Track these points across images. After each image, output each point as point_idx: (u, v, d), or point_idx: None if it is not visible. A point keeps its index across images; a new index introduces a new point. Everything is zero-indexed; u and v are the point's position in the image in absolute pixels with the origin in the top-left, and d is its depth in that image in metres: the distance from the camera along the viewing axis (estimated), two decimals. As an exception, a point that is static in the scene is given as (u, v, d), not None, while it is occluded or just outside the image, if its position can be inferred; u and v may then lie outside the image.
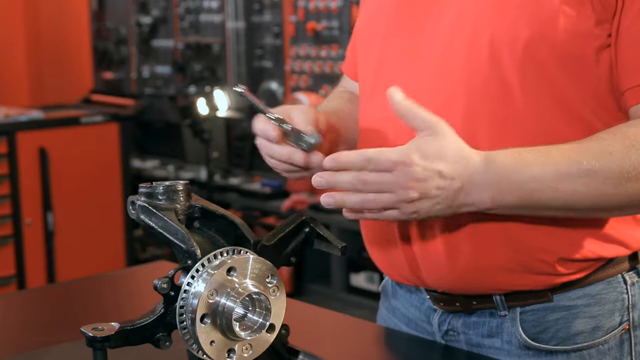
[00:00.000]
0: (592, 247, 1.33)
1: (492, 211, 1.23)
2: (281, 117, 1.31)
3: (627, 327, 1.37)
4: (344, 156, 1.18)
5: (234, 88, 1.28)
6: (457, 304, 1.40)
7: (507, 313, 1.37)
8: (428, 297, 1.43)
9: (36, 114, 4.69)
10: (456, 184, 1.19)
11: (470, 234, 1.31)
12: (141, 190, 1.18)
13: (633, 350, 1.38)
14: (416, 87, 1.32)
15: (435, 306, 1.43)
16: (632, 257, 1.39)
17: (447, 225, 1.32)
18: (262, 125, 1.33)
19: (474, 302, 1.38)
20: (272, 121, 1.31)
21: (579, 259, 1.33)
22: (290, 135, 1.31)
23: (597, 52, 1.26)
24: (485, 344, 1.40)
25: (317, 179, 1.19)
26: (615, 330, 1.37)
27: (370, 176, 1.18)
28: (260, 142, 1.36)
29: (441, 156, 1.18)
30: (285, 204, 4.66)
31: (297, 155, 1.31)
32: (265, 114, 1.31)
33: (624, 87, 1.27)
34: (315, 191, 4.52)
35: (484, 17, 1.29)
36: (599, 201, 1.23)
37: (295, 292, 4.66)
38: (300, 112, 1.36)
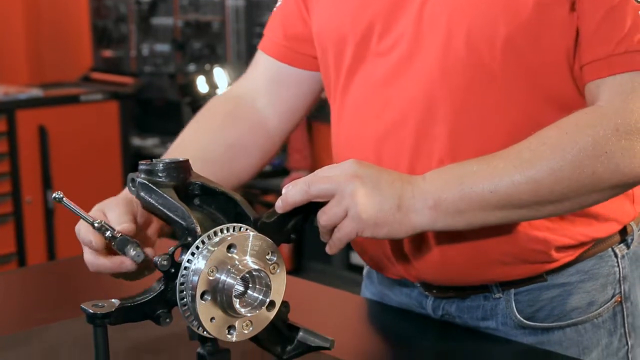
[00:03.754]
0: (586, 231, 1.33)
1: (438, 224, 1.19)
2: (103, 223, 1.17)
3: (619, 299, 1.39)
4: (290, 197, 1.18)
5: (52, 195, 1.15)
6: (451, 292, 1.40)
7: (501, 295, 1.37)
8: (419, 285, 1.43)
9: (36, 92, 4.68)
10: (396, 178, 1.19)
11: (463, 235, 1.29)
12: (141, 167, 1.18)
13: (625, 322, 1.39)
14: (393, 93, 1.31)
15: (427, 293, 1.43)
16: (622, 230, 1.39)
17: None
18: (84, 234, 1.20)
19: (468, 290, 1.39)
20: (93, 228, 1.17)
21: (574, 244, 1.33)
22: (115, 243, 1.17)
23: (576, 39, 1.25)
24: (481, 327, 1.40)
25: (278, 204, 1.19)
26: (608, 304, 1.38)
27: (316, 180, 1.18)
28: (86, 258, 1.22)
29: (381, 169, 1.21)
30: (285, 181, 4.66)
31: (128, 263, 1.19)
32: (89, 221, 1.17)
33: (583, 62, 1.24)
34: (316, 168, 4.53)
35: (458, 14, 1.26)
36: (537, 191, 1.19)
37: (296, 269, 4.67)
38: (115, 207, 1.23)
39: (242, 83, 1.56)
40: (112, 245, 1.17)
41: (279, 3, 1.53)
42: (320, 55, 1.44)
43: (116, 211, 1.22)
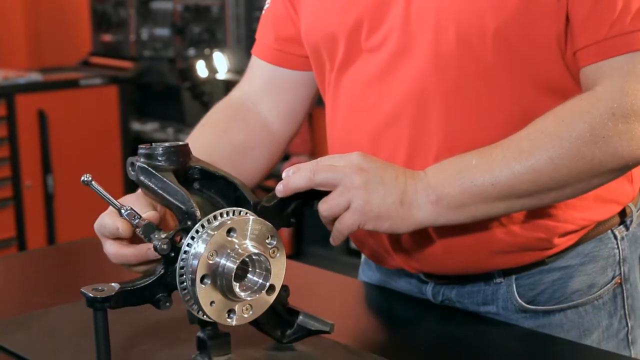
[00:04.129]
0: (588, 215, 1.34)
1: (440, 219, 1.20)
2: (130, 209, 1.14)
3: (619, 281, 1.39)
4: (292, 182, 1.17)
5: (81, 178, 1.13)
6: (452, 280, 1.40)
7: (502, 280, 1.37)
8: (420, 274, 1.43)
9: (35, 77, 4.67)
10: (400, 172, 1.20)
11: (465, 227, 1.29)
12: (140, 151, 1.17)
13: (625, 303, 1.40)
14: (386, 89, 1.31)
15: (426, 279, 1.43)
16: (621, 212, 1.39)
17: None
18: (109, 222, 1.17)
19: (470, 277, 1.39)
20: (120, 215, 1.15)
21: (575, 229, 1.34)
22: (142, 229, 1.14)
23: (565, 25, 1.24)
24: (481, 311, 1.40)
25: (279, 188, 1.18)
26: (608, 285, 1.38)
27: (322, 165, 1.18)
28: (110, 250, 1.18)
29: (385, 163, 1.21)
30: (285, 166, 4.65)
31: (153, 251, 1.13)
32: (116, 207, 1.15)
33: (576, 48, 1.24)
34: (315, 153, 4.52)
35: (446, 9, 1.25)
36: (538, 180, 1.19)
37: (296, 254, 4.67)
38: (135, 200, 1.20)
39: (241, 88, 1.55)
40: (138, 232, 1.14)
41: (266, 5, 1.53)
42: (311, 54, 1.44)
43: (137, 204, 1.18)
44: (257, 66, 1.54)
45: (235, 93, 1.55)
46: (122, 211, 1.14)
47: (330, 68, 1.40)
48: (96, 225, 1.19)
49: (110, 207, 1.18)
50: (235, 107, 1.51)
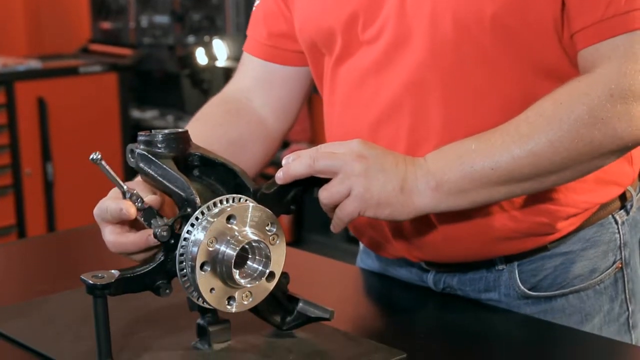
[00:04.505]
0: (589, 197, 1.34)
1: (441, 205, 1.20)
2: (135, 192, 1.13)
3: (620, 265, 1.40)
4: (292, 169, 1.17)
5: (90, 156, 1.11)
6: (453, 267, 1.40)
7: (504, 267, 1.37)
8: (422, 263, 1.43)
9: (34, 64, 4.66)
10: (400, 159, 1.19)
11: (466, 214, 1.29)
12: (140, 138, 1.17)
13: (626, 288, 1.40)
14: (384, 80, 1.31)
15: (428, 267, 1.43)
16: (622, 196, 1.40)
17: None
18: (112, 204, 1.14)
19: (471, 265, 1.39)
20: (124, 197, 1.13)
21: (577, 212, 1.33)
22: (144, 213, 1.13)
23: (562, 8, 1.23)
24: (482, 298, 1.40)
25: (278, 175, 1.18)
26: (610, 270, 1.39)
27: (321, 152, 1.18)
28: (110, 238, 1.16)
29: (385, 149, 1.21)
30: (285, 153, 4.65)
31: (153, 238, 1.12)
32: (121, 188, 1.13)
33: (573, 31, 1.23)
34: (315, 140, 4.52)
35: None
36: (538, 163, 1.19)
37: (295, 241, 4.67)
38: (135, 186, 1.18)
39: (234, 85, 1.55)
40: (139, 216, 1.13)
41: (257, 2, 1.53)
42: (306, 49, 1.43)
43: (137, 190, 1.16)
44: (249, 62, 1.54)
45: (228, 89, 1.55)
46: (127, 193, 1.13)
47: (328, 61, 1.40)
48: (96, 210, 1.17)
49: (110, 193, 1.18)
50: (230, 102, 1.51)
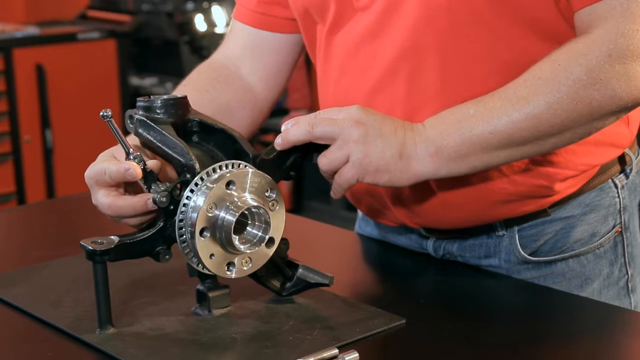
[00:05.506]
0: (587, 159, 1.34)
1: (441, 171, 1.19)
2: (139, 154, 1.12)
3: (620, 229, 1.40)
4: (291, 135, 1.17)
5: (100, 113, 1.11)
6: (454, 234, 1.40)
7: (505, 232, 1.37)
8: (421, 229, 1.43)
9: (32, 30, 4.63)
10: (399, 125, 1.19)
11: (465, 179, 1.29)
12: (139, 103, 1.17)
13: (625, 252, 1.41)
14: (379, 46, 1.30)
15: (427, 234, 1.43)
16: (621, 159, 1.39)
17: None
18: (113, 166, 1.12)
19: (472, 231, 1.39)
20: (127, 158, 1.12)
21: (576, 174, 1.33)
22: (146, 176, 1.13)
23: None
24: (483, 264, 1.40)
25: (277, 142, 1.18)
26: (609, 234, 1.39)
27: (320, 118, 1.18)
28: (107, 202, 1.14)
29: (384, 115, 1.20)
30: (284, 120, 4.64)
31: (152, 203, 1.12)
32: (126, 149, 1.13)
33: None
34: (315, 108, 4.51)
35: None
36: (537, 126, 1.18)
37: (295, 208, 4.68)
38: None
39: (223, 52, 1.54)
40: (140, 180, 1.12)
41: None
42: (299, 16, 1.42)
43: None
44: (238, 30, 1.52)
45: (217, 56, 1.54)
46: (131, 154, 1.12)
47: (321, 29, 1.38)
48: (89, 172, 1.15)
49: (100, 157, 1.17)
50: (218, 69, 1.50)
